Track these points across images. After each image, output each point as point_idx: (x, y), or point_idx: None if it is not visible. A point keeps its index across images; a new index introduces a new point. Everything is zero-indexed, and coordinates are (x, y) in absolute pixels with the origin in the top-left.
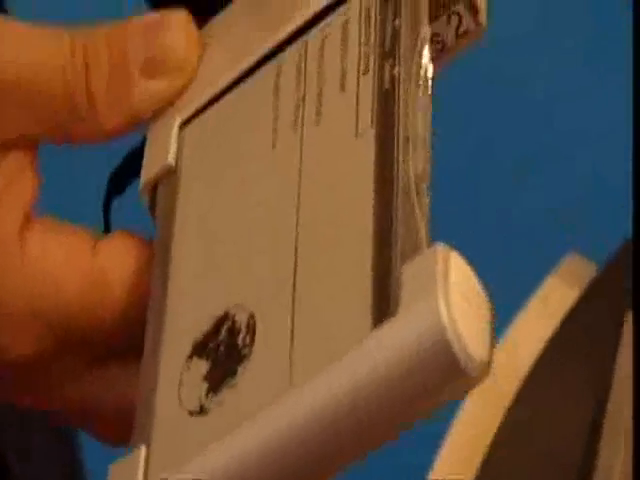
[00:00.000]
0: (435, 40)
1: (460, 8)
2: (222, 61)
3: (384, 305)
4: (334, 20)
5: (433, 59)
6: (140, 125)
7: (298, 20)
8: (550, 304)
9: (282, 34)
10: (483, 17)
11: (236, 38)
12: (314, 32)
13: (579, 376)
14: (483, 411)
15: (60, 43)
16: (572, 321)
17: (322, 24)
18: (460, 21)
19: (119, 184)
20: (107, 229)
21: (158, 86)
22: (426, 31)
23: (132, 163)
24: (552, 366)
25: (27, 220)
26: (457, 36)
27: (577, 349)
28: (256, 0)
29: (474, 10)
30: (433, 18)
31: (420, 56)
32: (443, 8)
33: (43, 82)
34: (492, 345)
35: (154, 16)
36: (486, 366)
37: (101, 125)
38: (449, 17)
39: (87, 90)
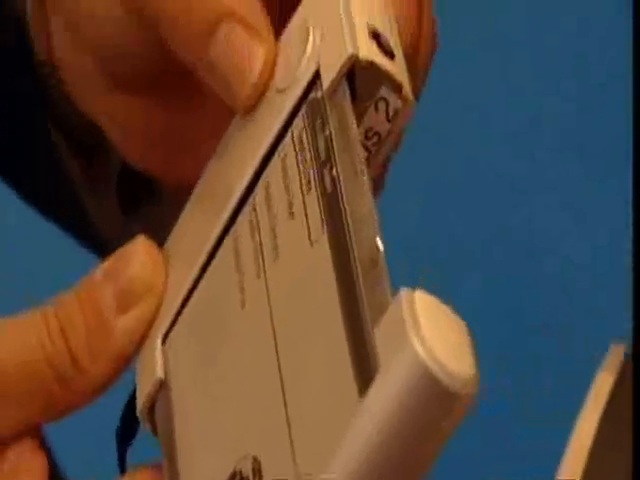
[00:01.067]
0: (369, 135)
1: (383, 92)
2: (184, 266)
3: (366, 374)
4: (273, 164)
5: (374, 152)
6: (130, 362)
7: (239, 190)
8: (602, 401)
9: (228, 212)
10: (408, 91)
11: (190, 239)
12: (258, 187)
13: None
14: None
15: (33, 325)
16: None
17: (263, 175)
18: (387, 104)
19: (128, 433)
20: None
21: (135, 317)
22: (353, 127)
23: (134, 408)
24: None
25: None
26: (389, 120)
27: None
28: (200, 199)
29: (397, 88)
30: (361, 113)
31: (352, 146)
32: (368, 99)
33: (28, 370)
34: (475, 359)
35: (114, 256)
36: (474, 379)
37: (91, 378)
38: (376, 105)
39: (68, 351)
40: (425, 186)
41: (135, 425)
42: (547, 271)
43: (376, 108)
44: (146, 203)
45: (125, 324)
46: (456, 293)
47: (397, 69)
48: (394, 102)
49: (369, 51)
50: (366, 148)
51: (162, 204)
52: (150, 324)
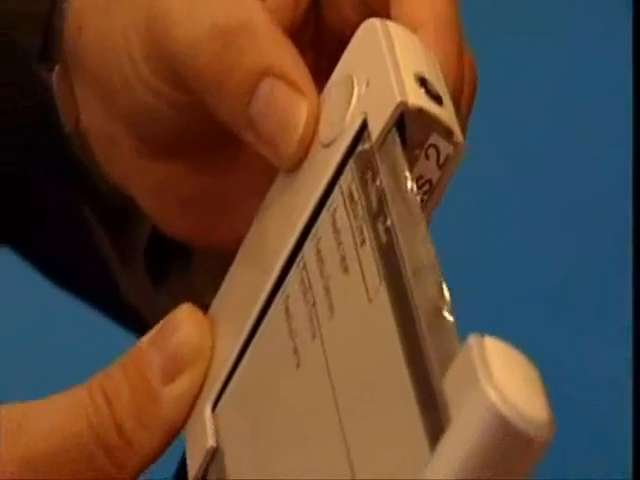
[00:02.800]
0: (421, 183)
1: (433, 139)
2: (231, 330)
3: (436, 424)
4: (323, 220)
5: (426, 200)
6: (178, 432)
7: (287, 249)
8: None
9: (276, 272)
10: (459, 136)
11: (237, 302)
12: (307, 244)
13: None
14: None
15: (79, 398)
16: None
17: (312, 232)
18: (438, 151)
19: None
20: None
21: (182, 386)
22: (406, 175)
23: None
24: None
25: None
26: (439, 167)
27: None
28: (246, 260)
29: (447, 134)
30: (411, 162)
31: (406, 195)
32: (418, 147)
33: (75, 444)
34: (548, 403)
35: (160, 323)
36: (549, 422)
37: (138, 449)
38: (426, 153)
39: (114, 422)
40: None
41: None
42: None
43: (426, 156)
44: (177, 270)
45: (173, 392)
46: None
47: (446, 114)
48: (444, 148)
49: (418, 98)
50: (423, 191)
51: (193, 270)
52: (199, 391)
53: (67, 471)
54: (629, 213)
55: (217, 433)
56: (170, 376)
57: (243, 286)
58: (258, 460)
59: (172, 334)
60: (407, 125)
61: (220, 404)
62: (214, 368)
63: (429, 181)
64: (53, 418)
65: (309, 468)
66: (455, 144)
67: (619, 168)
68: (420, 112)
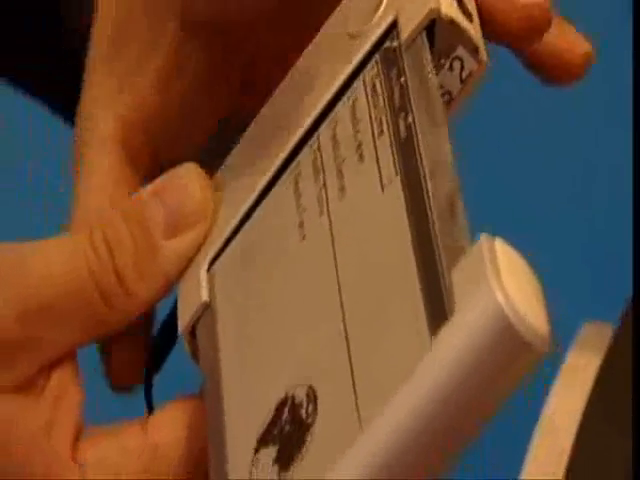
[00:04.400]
0: (440, 93)
1: (461, 52)
2: (236, 195)
3: (440, 315)
4: (342, 107)
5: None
6: (174, 285)
7: (302, 128)
8: (577, 377)
9: (289, 148)
10: (484, 54)
11: (245, 170)
12: (323, 127)
13: (618, 452)
14: None
15: (78, 242)
16: (599, 393)
17: (329, 116)
18: (462, 65)
19: (157, 361)
20: (150, 408)
21: (183, 242)
22: (432, 77)
23: (165, 336)
24: (592, 445)
25: (79, 432)
26: (462, 81)
27: (609, 422)
28: (260, 132)
29: (474, 50)
30: (437, 70)
31: (430, 95)
32: (444, 57)
33: (74, 290)
34: (548, 319)
35: (163, 178)
36: (547, 338)
37: (135, 298)
38: (451, 65)
39: (114, 271)
40: None
41: (164, 355)
42: None
43: (451, 67)
44: None
45: (174, 247)
46: None
47: (475, 31)
48: (469, 63)
49: (451, 9)
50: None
51: None
52: (198, 249)
53: (65, 317)
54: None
55: (210, 290)
56: (172, 231)
57: (253, 156)
58: (249, 320)
59: (176, 190)
60: (436, 33)
61: (216, 265)
62: (213, 231)
63: (449, 93)
64: (52, 264)
65: (304, 337)
66: (480, 61)
67: (619, 170)
68: (451, 23)
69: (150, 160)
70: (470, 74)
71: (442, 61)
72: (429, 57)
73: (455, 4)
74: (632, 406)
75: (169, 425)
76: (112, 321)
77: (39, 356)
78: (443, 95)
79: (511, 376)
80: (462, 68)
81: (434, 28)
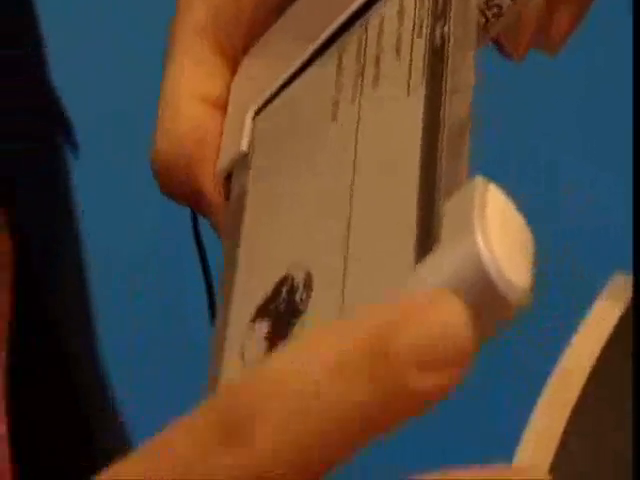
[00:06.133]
0: (490, 4)
1: None
2: (289, 51)
3: (427, 242)
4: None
5: (491, 22)
6: None
7: (355, 4)
8: (601, 327)
9: (343, 18)
10: None
11: (300, 31)
12: (373, 10)
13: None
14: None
15: None
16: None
17: (379, 3)
18: None
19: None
20: (201, 251)
21: None
22: None
23: None
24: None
25: None
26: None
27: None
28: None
29: None
30: None
31: (470, 18)
32: None
33: None
34: (532, 273)
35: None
36: (526, 292)
37: None
38: None
39: None
40: None
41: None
42: None
43: None
44: None
45: None
46: None
47: None
48: None
49: None
50: (484, 16)
51: None
52: None
53: None
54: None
55: (250, 142)
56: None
57: (306, 23)
58: (271, 189)
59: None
60: None
61: (260, 116)
62: (264, 78)
63: (499, 6)
64: None
65: (312, 219)
66: None
67: (621, 163)
68: None
69: (238, 52)
70: None
71: None
72: None
73: None
74: (632, 405)
75: None
76: None
77: None
78: (492, 7)
79: (483, 325)
80: None
81: None
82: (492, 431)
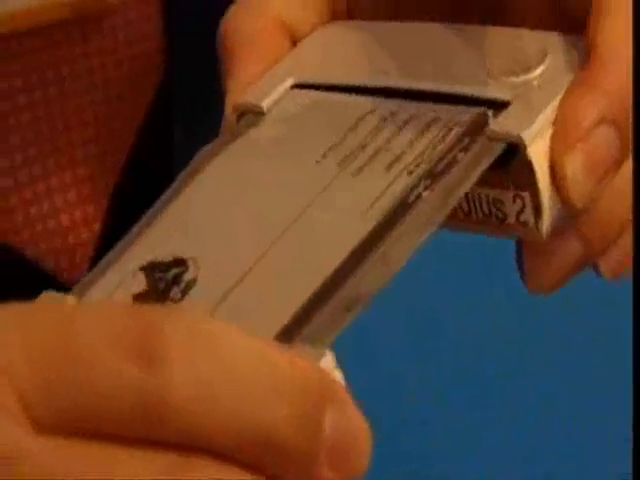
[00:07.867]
0: (497, 207)
1: (525, 195)
2: (357, 58)
3: (289, 334)
4: (417, 107)
5: (488, 222)
6: None
7: (428, 85)
8: None
9: (406, 84)
10: (543, 225)
11: (389, 51)
12: (414, 108)
13: None
14: None
15: None
16: None
17: (408, 103)
18: (522, 209)
19: None
20: None
21: None
22: (472, 180)
23: None
24: None
25: None
26: (517, 220)
27: None
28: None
29: (537, 212)
30: (499, 185)
31: (455, 192)
32: (512, 185)
33: None
34: None
35: None
36: None
37: None
38: (514, 197)
39: None
40: None
41: None
42: None
43: (514, 200)
44: None
45: None
46: None
47: (546, 197)
48: (528, 215)
49: (534, 143)
50: (489, 212)
51: None
52: None
53: None
54: None
55: (274, 105)
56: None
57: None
58: (237, 170)
59: None
60: (516, 164)
61: (296, 90)
62: (324, 61)
63: (504, 215)
64: None
65: (245, 219)
66: (537, 225)
67: None
68: (530, 166)
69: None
70: (525, 223)
71: (510, 186)
72: (488, 163)
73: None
74: (632, 405)
75: None
76: None
77: None
78: (497, 210)
79: None
80: (521, 211)
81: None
82: None
